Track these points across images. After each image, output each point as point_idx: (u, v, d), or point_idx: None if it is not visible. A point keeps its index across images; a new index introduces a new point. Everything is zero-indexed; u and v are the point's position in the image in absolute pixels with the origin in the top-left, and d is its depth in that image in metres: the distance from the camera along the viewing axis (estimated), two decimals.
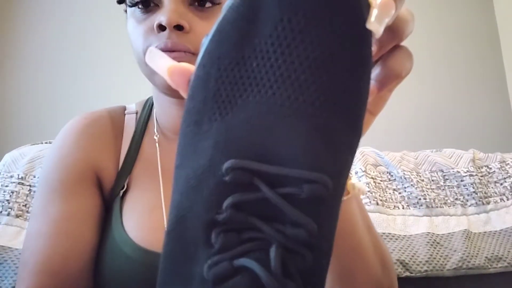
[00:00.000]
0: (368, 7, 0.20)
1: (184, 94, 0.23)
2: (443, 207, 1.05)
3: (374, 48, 0.23)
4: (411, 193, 1.06)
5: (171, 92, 0.49)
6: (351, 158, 0.21)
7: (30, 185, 0.98)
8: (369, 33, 0.20)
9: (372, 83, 0.24)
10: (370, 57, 0.20)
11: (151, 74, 0.49)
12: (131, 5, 0.48)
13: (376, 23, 0.20)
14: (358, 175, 1.08)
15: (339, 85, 0.20)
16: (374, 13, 0.20)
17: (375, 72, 0.25)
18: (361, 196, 1.01)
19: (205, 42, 0.21)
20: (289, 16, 0.19)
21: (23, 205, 0.95)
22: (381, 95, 0.27)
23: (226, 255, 0.20)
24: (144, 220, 0.48)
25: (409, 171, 1.11)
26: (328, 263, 0.22)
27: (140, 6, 0.47)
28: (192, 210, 0.21)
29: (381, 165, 1.13)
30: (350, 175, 0.37)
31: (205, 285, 0.21)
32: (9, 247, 0.88)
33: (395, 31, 0.23)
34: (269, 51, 0.20)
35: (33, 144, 1.11)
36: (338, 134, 0.20)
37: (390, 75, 0.24)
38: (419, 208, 1.04)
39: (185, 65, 0.23)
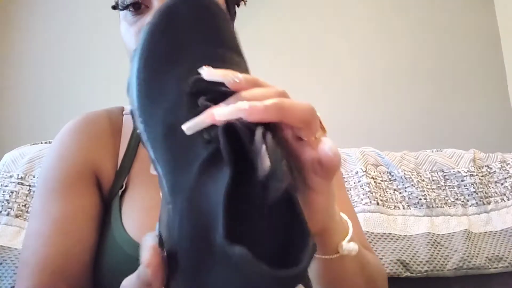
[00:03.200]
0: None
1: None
2: (443, 207, 1.05)
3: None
4: (411, 193, 1.06)
5: None
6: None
7: (29, 185, 0.98)
8: None
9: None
10: None
11: None
12: (122, 8, 0.50)
13: None
14: (359, 175, 1.08)
15: None
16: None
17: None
18: (361, 196, 1.01)
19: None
20: None
21: (22, 205, 0.95)
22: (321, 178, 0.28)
23: None
24: (144, 219, 0.49)
25: (409, 171, 1.11)
26: None
27: (131, 9, 0.49)
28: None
29: (382, 165, 1.13)
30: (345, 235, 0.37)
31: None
32: (9, 247, 0.88)
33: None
34: None
35: (33, 144, 1.11)
36: None
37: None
38: (420, 208, 1.04)
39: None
